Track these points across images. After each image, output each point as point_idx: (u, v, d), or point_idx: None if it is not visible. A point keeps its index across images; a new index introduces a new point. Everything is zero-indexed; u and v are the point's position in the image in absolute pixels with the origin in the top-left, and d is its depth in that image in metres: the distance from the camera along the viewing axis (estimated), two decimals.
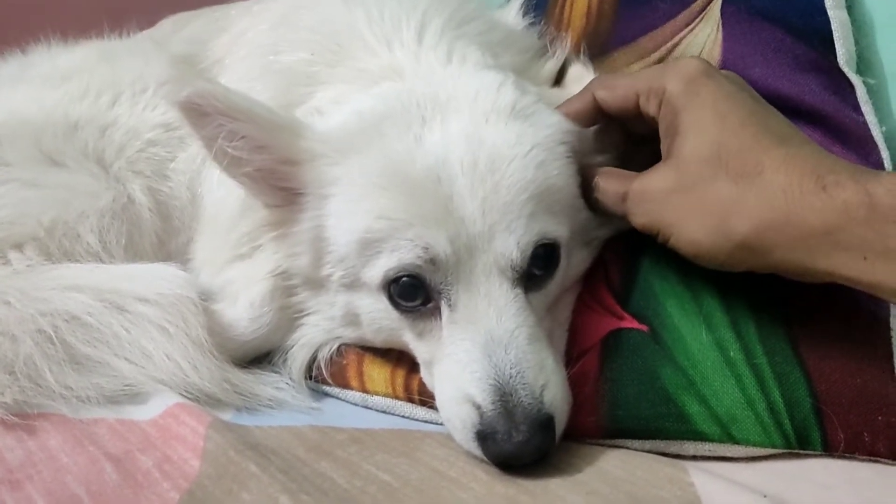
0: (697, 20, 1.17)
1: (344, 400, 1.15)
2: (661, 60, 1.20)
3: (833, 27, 1.07)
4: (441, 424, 0.99)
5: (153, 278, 1.16)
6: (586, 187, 1.05)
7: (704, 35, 1.14)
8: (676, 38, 1.18)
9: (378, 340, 1.11)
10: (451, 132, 0.99)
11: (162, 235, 1.37)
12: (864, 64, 1.10)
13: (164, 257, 1.32)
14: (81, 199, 1.29)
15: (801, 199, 0.80)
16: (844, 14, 1.09)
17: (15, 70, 1.55)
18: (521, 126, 1.01)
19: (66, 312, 1.10)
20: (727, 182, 0.85)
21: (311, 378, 1.17)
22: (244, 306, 1.18)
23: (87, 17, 1.63)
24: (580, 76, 1.20)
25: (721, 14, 1.14)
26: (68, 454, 0.95)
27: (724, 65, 1.11)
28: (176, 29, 1.64)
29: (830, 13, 1.08)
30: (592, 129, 1.07)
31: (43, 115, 1.38)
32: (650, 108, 0.96)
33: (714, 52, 1.12)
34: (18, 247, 1.24)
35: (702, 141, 0.88)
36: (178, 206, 1.38)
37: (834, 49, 1.06)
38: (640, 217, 0.95)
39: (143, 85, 1.44)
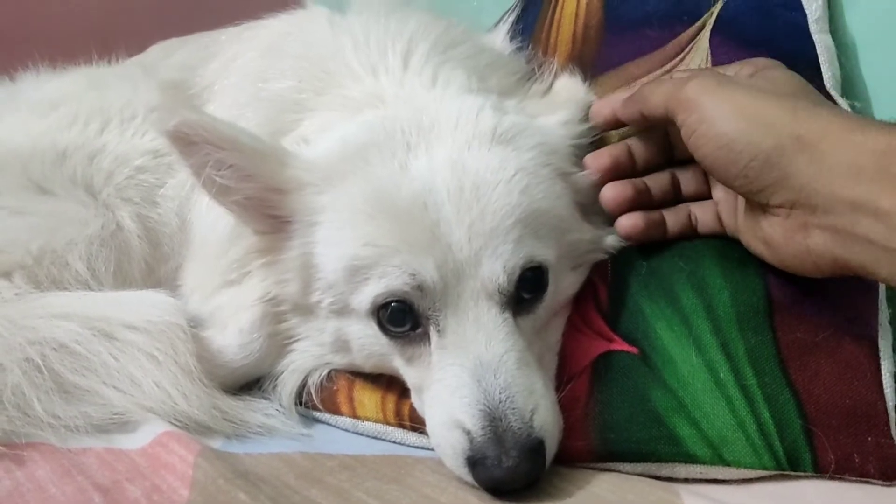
0: (687, 50, 1.18)
1: (334, 426, 1.15)
2: None
3: (818, 51, 1.08)
4: (432, 450, 0.98)
5: (142, 305, 1.16)
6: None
7: (695, 65, 1.15)
8: (667, 66, 1.19)
9: (368, 366, 1.11)
10: (436, 159, 1.00)
11: (151, 262, 1.37)
12: (850, 87, 1.11)
13: (154, 284, 1.32)
14: (70, 226, 1.29)
15: (867, 123, 0.79)
16: (829, 38, 1.10)
17: (3, 97, 1.55)
18: (503, 151, 1.02)
19: (55, 341, 1.09)
20: (800, 98, 0.86)
21: (301, 404, 1.17)
22: (233, 333, 1.18)
23: (76, 43, 1.64)
24: (567, 85, 1.21)
25: (710, 44, 1.15)
26: (56, 484, 0.94)
27: None
28: (165, 55, 1.65)
29: (815, 37, 1.09)
30: (578, 145, 1.08)
31: (31, 142, 1.38)
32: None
33: None
34: (6, 275, 1.24)
35: (787, 75, 0.93)
36: (167, 232, 1.38)
37: (820, 73, 1.08)
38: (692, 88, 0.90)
39: (132, 111, 1.45)
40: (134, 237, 1.35)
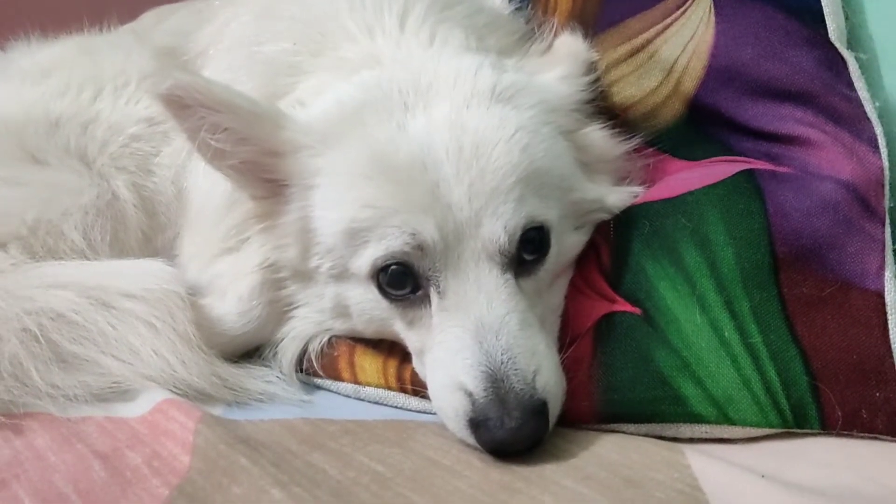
0: (689, 3, 1.15)
1: (336, 392, 1.14)
2: (648, 42, 1.18)
3: (823, 2, 1.06)
4: (434, 414, 0.98)
5: (139, 274, 1.15)
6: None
7: (697, 18, 1.13)
8: (668, 21, 1.17)
9: (369, 331, 1.10)
10: (435, 119, 0.99)
11: (148, 231, 1.36)
12: (855, 39, 1.09)
13: (151, 253, 1.31)
14: (64, 196, 1.28)
15: None
16: None
17: None
18: (503, 109, 1.00)
19: (52, 310, 1.09)
20: None
21: (301, 371, 1.16)
22: (233, 300, 1.17)
23: (68, 12, 1.61)
24: (566, 42, 1.19)
25: None
26: (56, 453, 0.93)
27: (717, 46, 1.10)
28: (158, 21, 1.62)
29: None
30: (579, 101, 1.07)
31: (23, 112, 1.36)
32: None
33: (707, 35, 1.11)
34: (2, 246, 1.23)
35: None
36: (163, 201, 1.37)
37: (825, 24, 1.05)
38: None
39: (126, 79, 1.43)
40: (130, 206, 1.34)
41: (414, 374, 1.06)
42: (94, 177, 1.33)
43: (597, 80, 1.17)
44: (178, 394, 1.06)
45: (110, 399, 1.06)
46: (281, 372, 1.14)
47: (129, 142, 1.38)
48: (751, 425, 0.89)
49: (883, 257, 0.91)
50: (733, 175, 1.00)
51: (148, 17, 1.68)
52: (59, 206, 1.27)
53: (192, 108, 1.01)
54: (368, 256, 0.99)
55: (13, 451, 0.94)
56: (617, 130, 1.14)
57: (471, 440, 0.90)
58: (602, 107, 1.19)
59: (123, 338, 1.09)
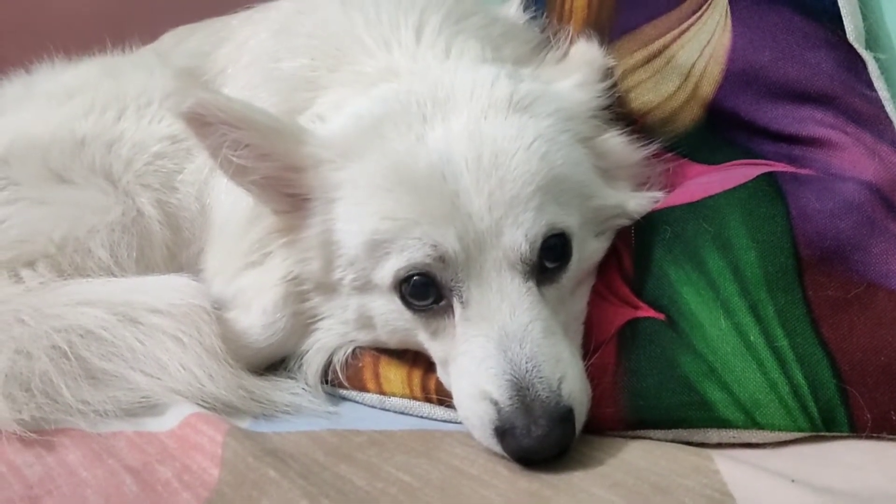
0: (705, 7, 1.16)
1: (361, 403, 1.14)
2: (665, 48, 1.19)
3: (840, 3, 1.06)
4: (460, 423, 0.98)
5: (165, 289, 1.16)
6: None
7: (714, 22, 1.13)
8: (684, 26, 1.17)
9: (393, 342, 1.11)
10: (453, 129, 0.99)
11: (172, 247, 1.37)
12: (873, 39, 1.09)
13: (176, 269, 1.32)
14: (91, 214, 1.30)
15: None
16: None
17: (20, 90, 1.56)
18: (520, 118, 1.01)
19: (80, 327, 1.10)
20: None
21: (327, 382, 1.17)
22: (257, 313, 1.18)
23: (90, 34, 1.64)
24: (582, 49, 1.20)
25: (728, 0, 1.12)
26: (87, 468, 0.95)
27: (734, 50, 1.10)
28: (177, 42, 1.65)
29: None
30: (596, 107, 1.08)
31: (49, 132, 1.38)
32: None
33: (724, 38, 1.11)
34: (30, 265, 1.25)
35: None
36: (187, 217, 1.39)
37: (843, 25, 1.05)
38: None
39: (148, 98, 1.45)
40: (155, 223, 1.35)
41: (439, 384, 1.06)
42: (119, 195, 1.35)
43: (613, 86, 1.17)
44: (205, 407, 1.07)
45: (139, 414, 1.07)
46: (306, 383, 1.15)
47: (152, 159, 1.39)
48: (779, 429, 0.88)
49: None
50: (754, 178, 1.00)
51: (167, 39, 1.70)
52: (85, 224, 1.29)
53: (213, 125, 1.02)
54: (390, 268, 0.99)
55: (45, 467, 0.95)
56: (635, 136, 1.15)
57: (497, 449, 0.90)
58: (620, 113, 1.19)
59: (151, 353, 1.10)
